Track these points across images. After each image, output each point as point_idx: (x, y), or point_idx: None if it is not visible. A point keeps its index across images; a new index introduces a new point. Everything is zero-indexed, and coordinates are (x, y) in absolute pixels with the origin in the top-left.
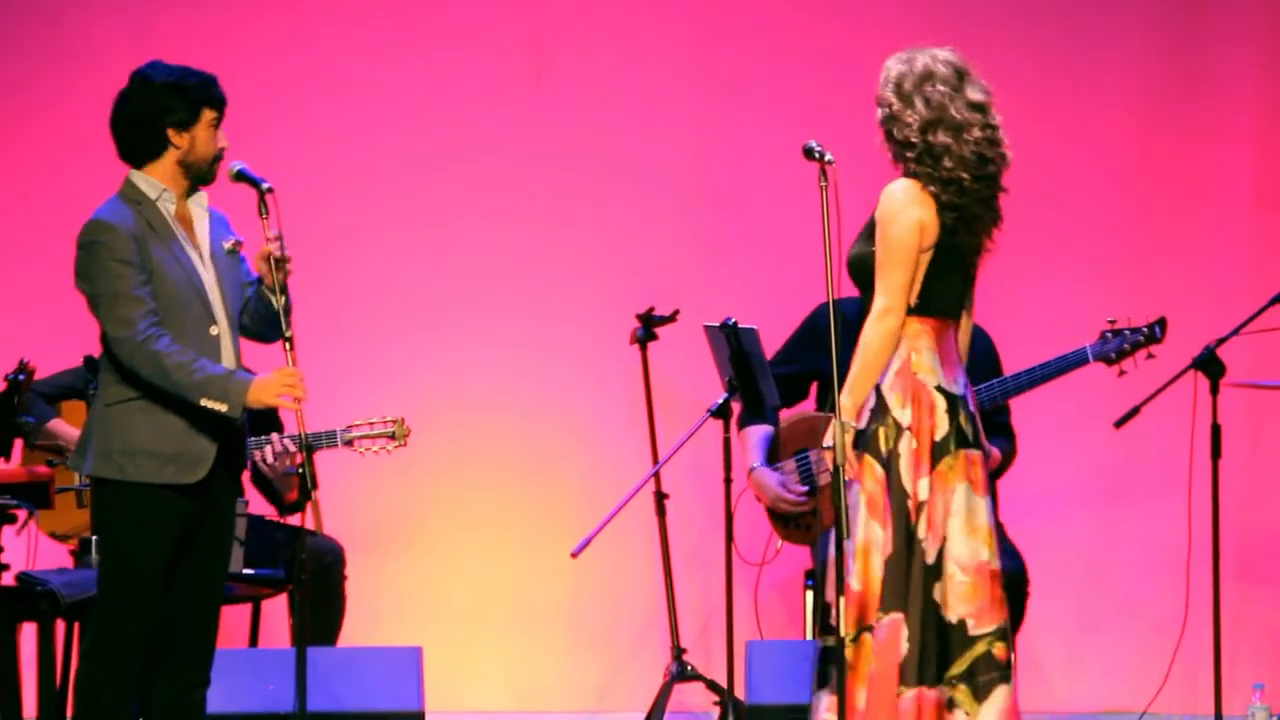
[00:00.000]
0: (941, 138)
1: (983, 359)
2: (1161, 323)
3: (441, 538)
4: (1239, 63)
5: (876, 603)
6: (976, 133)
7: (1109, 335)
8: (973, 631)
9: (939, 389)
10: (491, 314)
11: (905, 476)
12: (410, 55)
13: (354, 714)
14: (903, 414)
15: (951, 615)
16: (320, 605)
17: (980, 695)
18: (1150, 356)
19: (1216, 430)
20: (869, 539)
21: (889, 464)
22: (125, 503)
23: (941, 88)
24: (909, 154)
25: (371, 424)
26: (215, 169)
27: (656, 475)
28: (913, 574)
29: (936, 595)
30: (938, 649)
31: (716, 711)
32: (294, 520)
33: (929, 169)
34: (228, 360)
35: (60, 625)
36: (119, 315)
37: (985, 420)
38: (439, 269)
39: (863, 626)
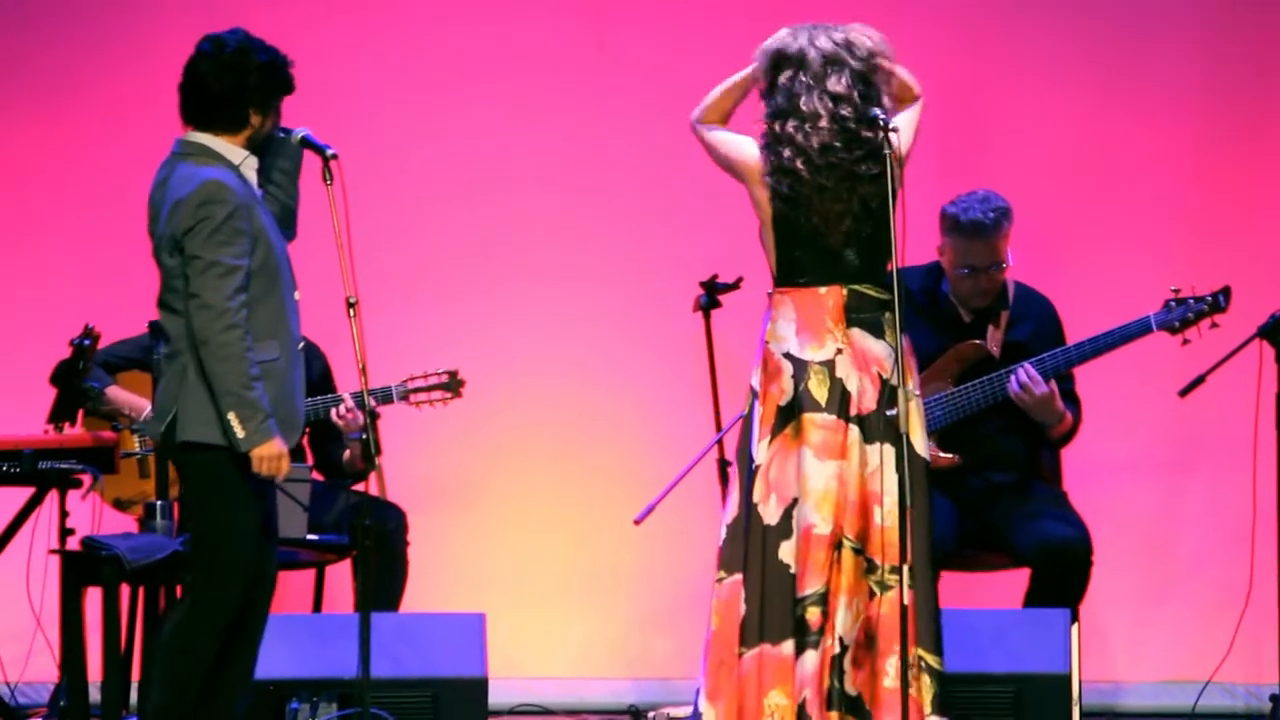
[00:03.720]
0: (788, 128)
1: (1047, 327)
2: (1226, 291)
3: (505, 505)
4: None
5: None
6: (824, 123)
7: (1173, 304)
8: (797, 594)
9: (786, 355)
10: (555, 280)
11: (751, 440)
12: (474, 21)
13: (417, 680)
14: (755, 380)
15: (796, 572)
16: (383, 571)
17: (803, 650)
18: (1214, 326)
19: None
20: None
21: (746, 429)
22: (224, 468)
23: (804, 78)
24: (760, 131)
25: (426, 377)
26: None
27: (719, 443)
28: (751, 536)
29: (785, 555)
30: (790, 606)
31: None
32: (358, 486)
33: (770, 154)
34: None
35: (125, 590)
36: (215, 285)
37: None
38: (503, 235)
39: None
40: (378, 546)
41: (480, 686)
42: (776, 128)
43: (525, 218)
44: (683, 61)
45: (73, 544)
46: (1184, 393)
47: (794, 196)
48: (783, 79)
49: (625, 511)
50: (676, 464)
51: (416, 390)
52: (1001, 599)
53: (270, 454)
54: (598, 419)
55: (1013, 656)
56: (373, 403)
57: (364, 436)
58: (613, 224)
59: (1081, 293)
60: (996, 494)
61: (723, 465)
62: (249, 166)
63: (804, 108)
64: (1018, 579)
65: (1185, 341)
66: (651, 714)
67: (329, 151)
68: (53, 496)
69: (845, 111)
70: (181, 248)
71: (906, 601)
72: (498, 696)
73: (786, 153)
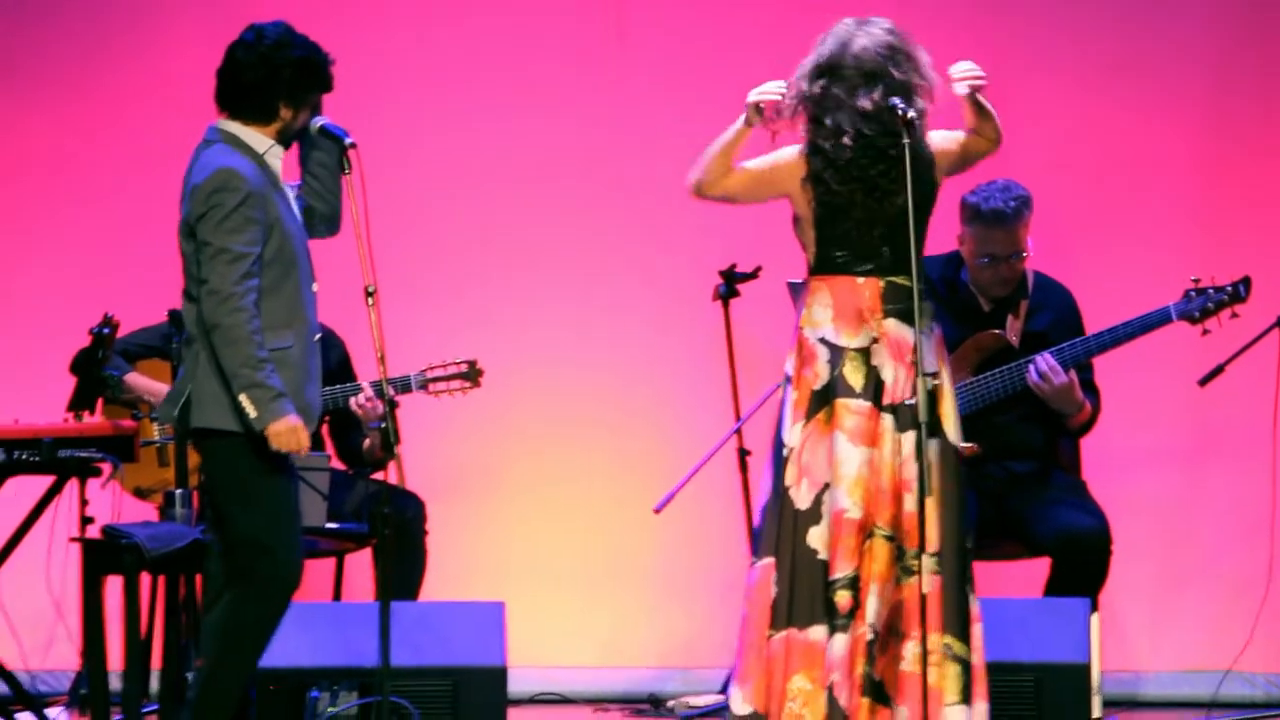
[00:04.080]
0: (819, 140)
1: (1066, 317)
2: (1246, 282)
3: (524, 493)
4: None
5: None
6: (847, 140)
7: (1193, 294)
8: (830, 576)
9: (822, 340)
10: (574, 269)
11: (784, 425)
12: (491, 10)
13: (437, 668)
14: (789, 365)
15: (826, 557)
16: (401, 560)
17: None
18: (1234, 316)
19: None
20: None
21: (780, 414)
22: (245, 454)
23: (836, 91)
24: (803, 130)
25: (445, 366)
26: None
27: (739, 431)
28: (783, 520)
29: (814, 541)
30: (820, 591)
31: None
32: (377, 475)
33: (807, 161)
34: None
35: (145, 578)
36: (223, 270)
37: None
38: (522, 224)
39: None
40: (396, 535)
41: (500, 675)
42: (810, 136)
43: (545, 207)
44: (702, 50)
45: (93, 532)
46: (1203, 382)
47: (829, 201)
48: (816, 88)
49: (645, 500)
50: (696, 452)
51: (436, 380)
52: (1021, 588)
53: (285, 429)
54: (617, 408)
55: (1033, 646)
56: (392, 392)
57: (383, 425)
58: (632, 213)
59: (1098, 283)
60: (1016, 483)
61: (742, 454)
62: (274, 155)
63: (828, 122)
64: (1038, 568)
65: (1205, 332)
66: (671, 702)
67: (347, 140)
68: (73, 485)
69: (871, 130)
70: (194, 233)
71: (928, 589)
72: (517, 685)
73: (818, 162)
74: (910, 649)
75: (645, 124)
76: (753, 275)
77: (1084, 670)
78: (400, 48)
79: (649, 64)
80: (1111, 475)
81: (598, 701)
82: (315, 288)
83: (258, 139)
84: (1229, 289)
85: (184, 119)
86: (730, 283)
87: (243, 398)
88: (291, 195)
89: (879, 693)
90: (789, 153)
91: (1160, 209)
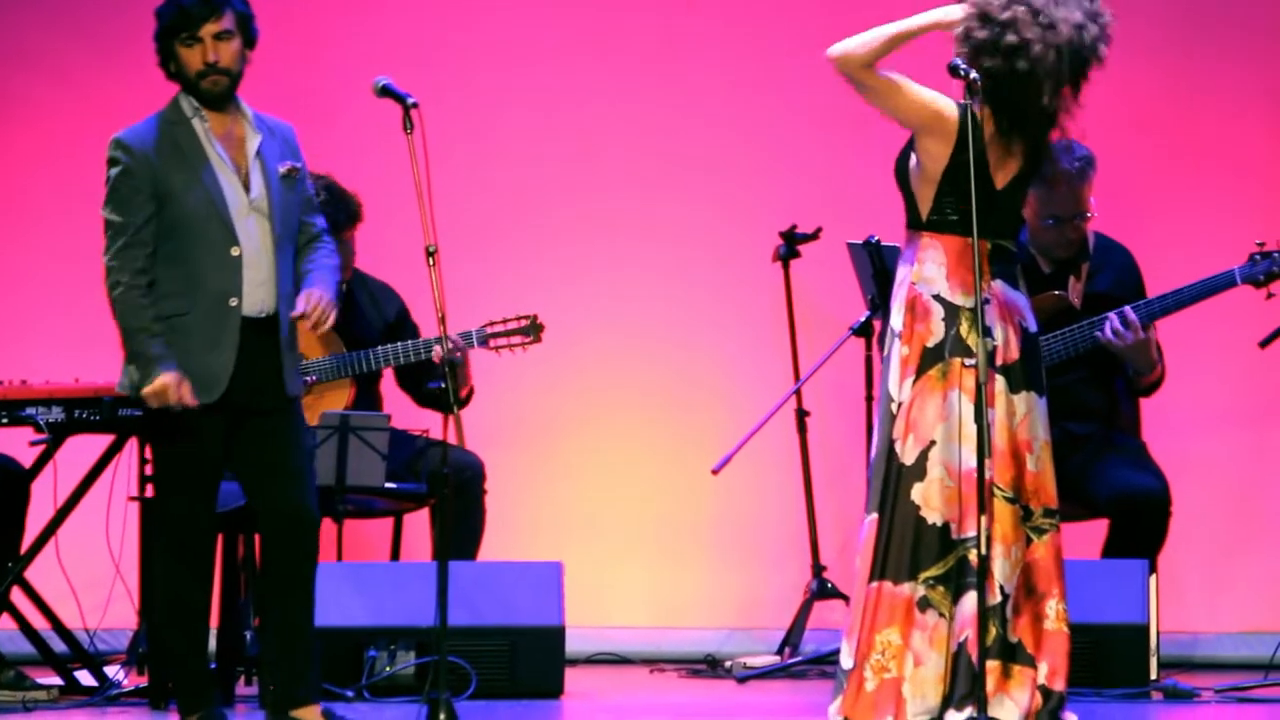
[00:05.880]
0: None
1: (1127, 277)
2: None
3: (583, 453)
4: None
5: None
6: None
7: (1257, 258)
8: (955, 535)
9: (937, 297)
10: (634, 231)
11: (891, 380)
12: None
13: (494, 628)
14: (896, 320)
15: (933, 517)
16: (460, 520)
17: (956, 598)
18: None
19: None
20: None
21: (884, 369)
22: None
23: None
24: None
25: (505, 322)
26: (204, 87)
27: (798, 393)
28: (888, 474)
29: (916, 496)
30: (912, 547)
31: None
32: (436, 435)
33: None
34: (254, 278)
35: None
36: (107, 242)
37: None
38: (582, 186)
39: None
40: (455, 494)
41: (558, 635)
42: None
43: (604, 171)
44: (763, 17)
45: (151, 492)
46: (1264, 344)
47: (963, 160)
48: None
49: (704, 461)
50: (755, 414)
51: (496, 335)
52: (1080, 549)
53: (154, 389)
54: (676, 369)
55: (1091, 607)
56: (457, 352)
57: (443, 385)
58: (692, 174)
59: (1162, 246)
60: (1075, 445)
61: (800, 415)
62: (201, 119)
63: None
64: (1096, 530)
65: (1270, 295)
66: (728, 663)
67: (410, 100)
68: (132, 444)
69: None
70: None
71: (1039, 555)
72: (575, 645)
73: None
74: (1052, 607)
75: (703, 86)
76: (813, 236)
77: (1142, 631)
78: (476, 25)
79: (709, 34)
80: (1172, 437)
81: (654, 662)
82: (235, 251)
83: (190, 104)
84: None
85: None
86: (790, 244)
87: (130, 367)
88: (250, 158)
89: (1014, 653)
90: (951, 102)
91: (1225, 172)
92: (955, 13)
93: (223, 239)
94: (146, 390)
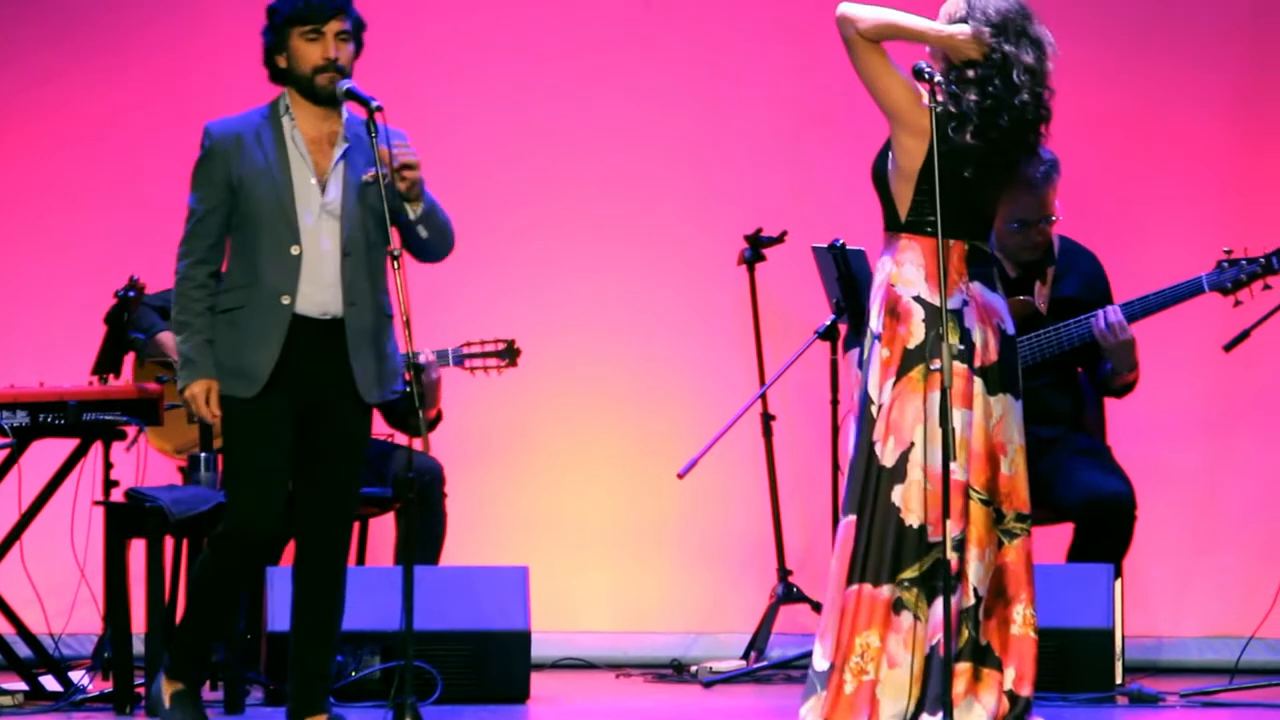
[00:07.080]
0: (970, 91)
1: (1093, 281)
2: (1279, 253)
3: (549, 458)
4: None
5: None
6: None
7: (1225, 265)
8: (932, 538)
9: (917, 299)
10: (599, 234)
11: (871, 382)
12: None
13: (460, 633)
14: (875, 323)
15: (911, 519)
16: (422, 525)
17: (931, 600)
18: (1267, 288)
19: None
20: None
21: (863, 372)
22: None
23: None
24: (953, 79)
25: (484, 344)
26: (320, 83)
27: (763, 397)
28: (867, 476)
29: (896, 498)
30: (893, 550)
31: None
32: (400, 439)
33: (951, 103)
34: (317, 279)
35: (169, 542)
36: (185, 230)
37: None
38: (546, 190)
39: None
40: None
41: (523, 640)
42: (965, 91)
43: (569, 175)
44: (728, 16)
45: (117, 496)
46: (1229, 347)
47: (953, 152)
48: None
49: (669, 465)
50: (720, 418)
51: (472, 355)
52: (1045, 554)
53: (187, 397)
54: (641, 373)
55: (1056, 611)
56: (428, 358)
57: (408, 389)
58: (657, 179)
59: (1130, 251)
60: (1041, 448)
61: (766, 419)
62: (290, 119)
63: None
64: (1061, 534)
65: (1237, 303)
66: (694, 668)
67: (374, 103)
68: (97, 448)
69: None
70: None
71: (1010, 559)
72: (540, 650)
73: (971, 97)
74: (1019, 611)
75: (670, 92)
76: (778, 240)
77: (1107, 636)
78: (440, 26)
79: (674, 35)
80: (1137, 441)
81: (620, 666)
82: (295, 251)
83: (283, 101)
84: (1261, 260)
85: (224, 89)
86: (755, 247)
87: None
88: (334, 162)
89: (984, 656)
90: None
91: (1193, 178)
92: (970, 50)
93: (286, 237)
94: (183, 394)
